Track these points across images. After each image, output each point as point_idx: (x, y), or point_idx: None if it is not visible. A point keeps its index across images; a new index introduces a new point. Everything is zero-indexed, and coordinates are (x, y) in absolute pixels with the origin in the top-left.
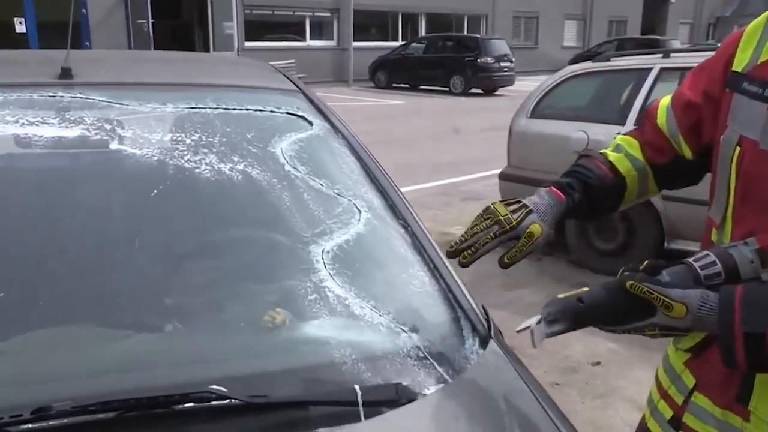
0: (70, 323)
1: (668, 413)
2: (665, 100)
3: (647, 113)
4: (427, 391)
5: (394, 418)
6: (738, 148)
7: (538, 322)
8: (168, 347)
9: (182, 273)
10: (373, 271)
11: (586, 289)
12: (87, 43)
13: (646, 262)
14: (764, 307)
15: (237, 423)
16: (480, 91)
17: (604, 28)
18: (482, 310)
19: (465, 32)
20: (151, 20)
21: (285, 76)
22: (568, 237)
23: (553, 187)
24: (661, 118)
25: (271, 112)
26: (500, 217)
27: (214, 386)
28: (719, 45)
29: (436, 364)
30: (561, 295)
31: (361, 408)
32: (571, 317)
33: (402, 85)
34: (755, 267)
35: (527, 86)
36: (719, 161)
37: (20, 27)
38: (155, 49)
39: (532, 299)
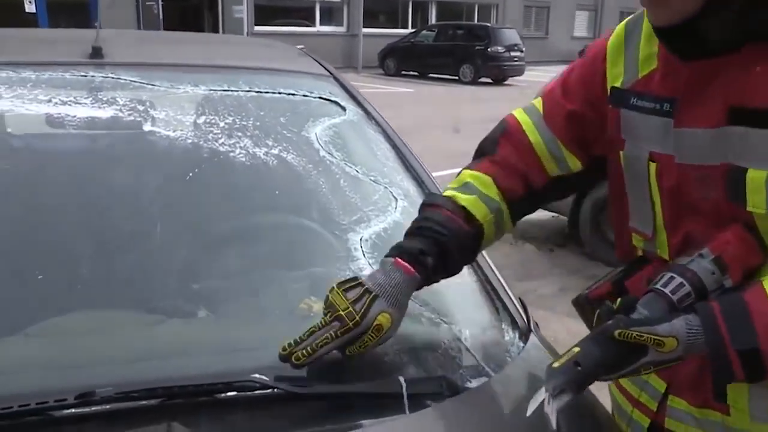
0: (106, 307)
1: (645, 421)
2: (524, 117)
3: (506, 134)
4: (470, 385)
5: (438, 411)
6: (653, 164)
7: (548, 401)
8: (206, 334)
9: (216, 258)
10: None
11: (576, 349)
12: (96, 24)
13: (618, 300)
14: (746, 320)
15: (279, 413)
16: (489, 80)
17: (615, 18)
18: (520, 303)
19: (475, 21)
20: (160, 2)
21: (315, 60)
22: (581, 229)
23: (399, 259)
24: (534, 136)
25: (304, 96)
26: (341, 312)
27: (257, 375)
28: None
29: (478, 358)
30: (555, 364)
31: (405, 400)
32: (574, 385)
33: (411, 72)
34: (717, 277)
35: (537, 76)
36: (630, 176)
37: (29, 6)
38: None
39: (543, 291)
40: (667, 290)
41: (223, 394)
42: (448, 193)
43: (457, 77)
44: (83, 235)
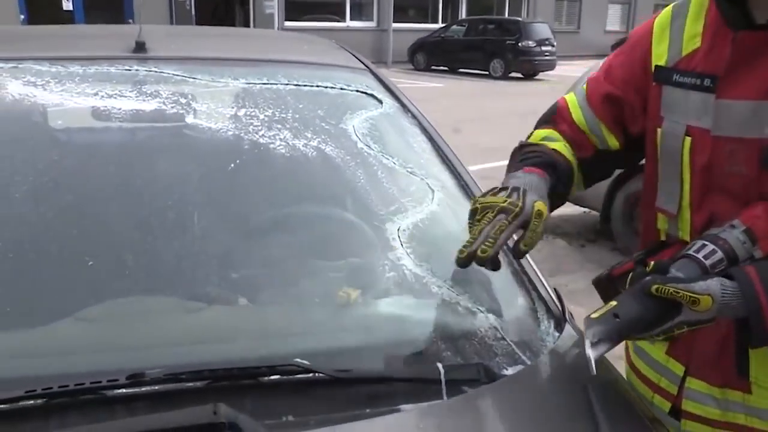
0: (153, 293)
1: (666, 406)
2: (572, 98)
3: (558, 113)
4: (506, 372)
5: (475, 397)
6: (688, 139)
7: (588, 347)
8: (248, 320)
9: (256, 247)
10: (448, 251)
11: (614, 303)
12: (130, 20)
13: (651, 263)
14: None
15: (321, 396)
16: (520, 75)
17: (649, 11)
18: (555, 293)
19: (506, 15)
20: None
21: (352, 54)
22: (613, 224)
23: (526, 167)
24: (578, 115)
25: (341, 89)
26: (501, 205)
27: (299, 359)
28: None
29: (514, 346)
30: (594, 315)
31: (443, 386)
32: (613, 335)
33: (441, 67)
34: (747, 247)
35: (568, 71)
36: (663, 153)
37: (67, 4)
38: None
39: (574, 286)
40: (699, 255)
41: (266, 378)
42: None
43: (487, 72)
44: (129, 225)
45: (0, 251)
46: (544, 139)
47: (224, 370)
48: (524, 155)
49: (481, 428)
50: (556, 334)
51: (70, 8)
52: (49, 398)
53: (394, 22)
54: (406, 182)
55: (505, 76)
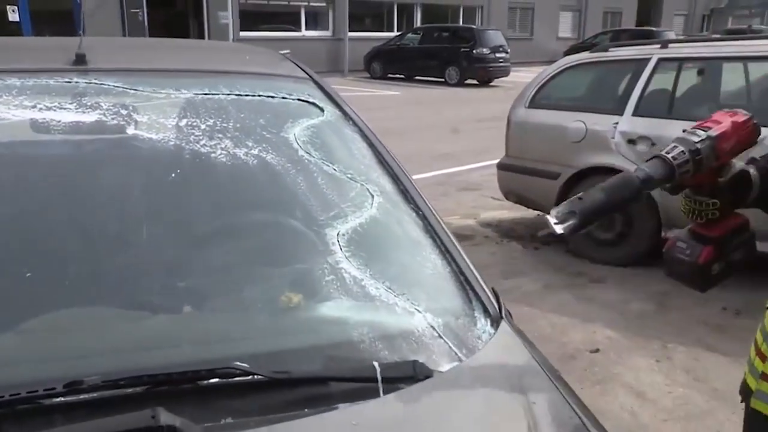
0: (94, 303)
1: (761, 367)
2: None
3: None
4: (442, 369)
5: (411, 393)
6: None
7: (552, 224)
8: (190, 326)
9: (200, 255)
10: (387, 254)
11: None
12: (81, 33)
13: None
14: None
15: (260, 398)
16: (475, 81)
17: (599, 19)
18: (492, 292)
19: (461, 23)
20: (145, 9)
21: (295, 63)
22: None
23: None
24: None
25: (283, 98)
26: None
27: (238, 363)
28: (713, 36)
29: (450, 343)
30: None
31: (380, 384)
32: (579, 214)
33: (397, 75)
34: (710, 144)
35: (522, 77)
36: None
37: (13, 15)
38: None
39: (529, 288)
40: (669, 156)
41: (206, 381)
42: None
43: (443, 79)
44: (71, 236)
45: None
46: None
47: (163, 375)
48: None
49: (416, 423)
50: (492, 331)
51: (17, 19)
52: None
53: (349, 31)
54: (347, 188)
55: (460, 83)
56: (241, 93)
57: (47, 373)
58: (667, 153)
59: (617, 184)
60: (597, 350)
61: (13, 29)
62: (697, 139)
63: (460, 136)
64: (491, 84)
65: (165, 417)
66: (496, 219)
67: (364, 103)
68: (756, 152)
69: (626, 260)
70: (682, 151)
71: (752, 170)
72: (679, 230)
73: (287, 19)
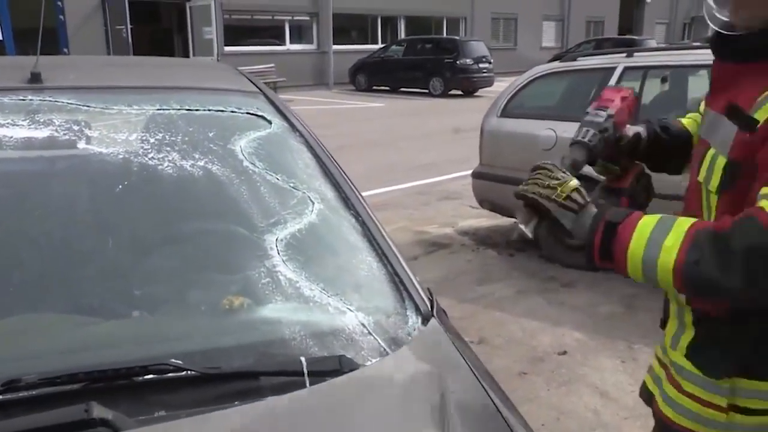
0: (38, 309)
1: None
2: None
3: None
4: (368, 362)
5: (335, 385)
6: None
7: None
8: (131, 329)
9: (147, 263)
10: (324, 257)
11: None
12: (65, 50)
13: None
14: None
15: (193, 393)
16: (460, 92)
17: (582, 28)
18: (428, 292)
19: (444, 34)
20: (129, 26)
21: (247, 78)
22: (538, 234)
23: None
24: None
25: (232, 112)
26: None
27: (173, 360)
28: (694, 44)
29: (378, 339)
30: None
31: (306, 377)
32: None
33: (382, 87)
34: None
35: (506, 87)
36: None
37: None
38: (134, 55)
39: (501, 294)
40: (586, 139)
41: (140, 378)
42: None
43: (427, 90)
44: (19, 245)
45: None
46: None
47: (98, 372)
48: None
49: (335, 411)
50: (422, 327)
51: (0, 38)
52: None
53: (334, 44)
54: (288, 196)
55: (444, 94)
56: (192, 108)
57: None
58: (583, 137)
59: None
60: (564, 352)
61: None
62: (601, 119)
63: (443, 146)
64: (475, 94)
65: (98, 410)
66: (473, 227)
67: (349, 115)
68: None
69: (596, 265)
70: (594, 133)
71: (643, 132)
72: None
73: (272, 33)
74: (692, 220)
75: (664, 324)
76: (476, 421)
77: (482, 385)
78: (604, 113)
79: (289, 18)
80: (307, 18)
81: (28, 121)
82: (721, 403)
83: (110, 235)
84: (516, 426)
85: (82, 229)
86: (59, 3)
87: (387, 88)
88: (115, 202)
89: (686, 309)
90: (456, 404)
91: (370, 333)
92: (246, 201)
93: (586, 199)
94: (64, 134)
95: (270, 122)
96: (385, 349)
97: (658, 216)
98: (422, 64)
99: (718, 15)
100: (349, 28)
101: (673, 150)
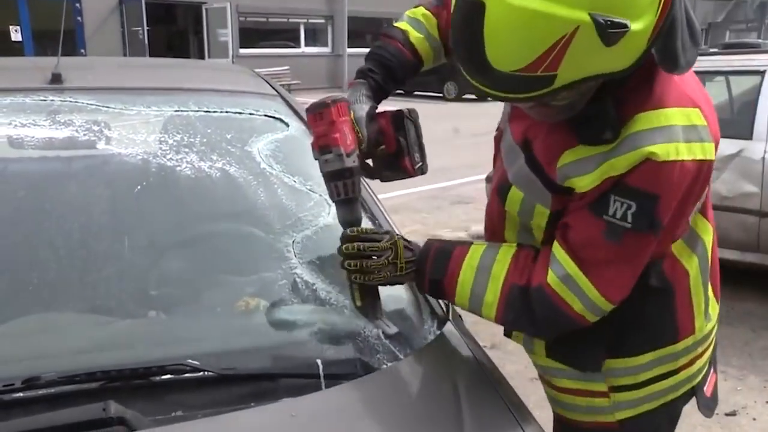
0: (60, 310)
1: None
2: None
3: (444, 2)
4: (383, 366)
5: (350, 388)
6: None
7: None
8: (148, 329)
9: (164, 264)
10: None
11: None
12: (82, 51)
13: None
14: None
15: (210, 393)
16: (473, 96)
17: None
18: None
19: None
20: (146, 28)
21: (265, 80)
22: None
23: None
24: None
25: (250, 114)
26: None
27: (190, 360)
28: (711, 50)
29: (395, 343)
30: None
31: (322, 380)
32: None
33: (396, 90)
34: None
35: None
36: None
37: (16, 35)
38: (150, 56)
39: None
40: (342, 196)
41: (157, 378)
42: (403, 26)
43: (441, 94)
44: (44, 247)
45: None
46: (416, 22)
47: (116, 371)
48: (374, 49)
49: (350, 414)
50: (437, 332)
51: (20, 39)
52: None
53: (348, 47)
54: (305, 199)
55: (459, 98)
56: (210, 109)
57: (8, 372)
58: (338, 195)
59: None
60: None
61: (16, 49)
62: (337, 166)
63: (456, 151)
64: (489, 99)
65: (115, 409)
66: None
67: None
68: None
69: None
70: (344, 183)
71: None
72: None
73: (286, 35)
74: (506, 263)
75: (509, 333)
76: (491, 426)
77: (497, 391)
78: (331, 155)
79: (304, 21)
80: (322, 21)
81: (49, 121)
82: (602, 389)
83: (128, 236)
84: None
85: (100, 230)
86: (77, 5)
87: (401, 91)
88: (133, 202)
89: None
90: (471, 408)
91: (386, 336)
92: (263, 203)
93: (413, 250)
94: (84, 134)
95: (287, 125)
96: (400, 353)
97: (476, 262)
98: (437, 68)
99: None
100: (363, 31)
101: (396, 84)
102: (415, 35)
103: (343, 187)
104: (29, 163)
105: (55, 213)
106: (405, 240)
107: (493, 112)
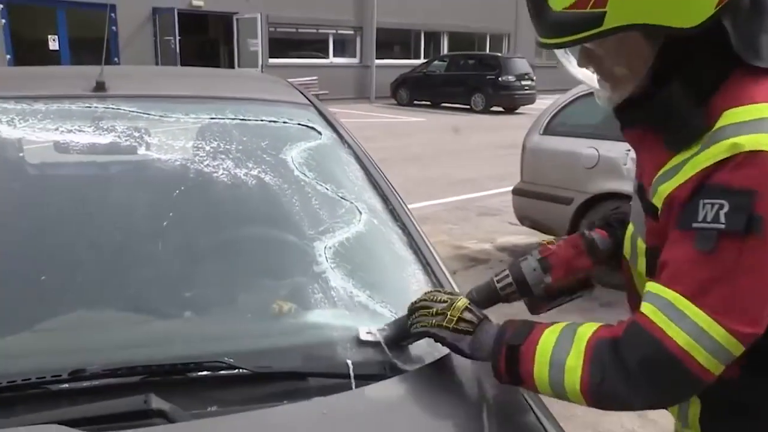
0: (101, 307)
1: None
2: None
3: None
4: (411, 368)
5: (380, 388)
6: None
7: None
8: (186, 328)
9: (200, 266)
10: (371, 266)
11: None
12: (116, 59)
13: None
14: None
15: (244, 390)
16: (501, 109)
17: None
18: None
19: (487, 51)
20: (178, 37)
21: (298, 90)
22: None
23: (597, 228)
24: None
25: (284, 123)
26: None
27: (226, 358)
28: None
29: (423, 345)
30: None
31: (352, 380)
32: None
33: (424, 102)
34: (538, 274)
35: (548, 105)
36: None
37: (53, 44)
38: (182, 65)
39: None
40: (495, 279)
41: (195, 374)
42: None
43: (468, 106)
44: (87, 248)
45: None
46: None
47: (157, 366)
48: (612, 212)
49: (379, 413)
50: None
51: (57, 48)
52: None
53: (377, 58)
54: (337, 206)
55: (486, 110)
56: (245, 118)
57: (55, 364)
58: (498, 281)
59: None
60: None
61: (53, 58)
62: (525, 269)
63: (483, 163)
64: (517, 111)
65: (156, 402)
66: (512, 243)
67: (390, 129)
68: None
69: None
70: (510, 282)
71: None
72: None
73: (315, 46)
74: (594, 327)
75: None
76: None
77: (523, 396)
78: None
79: (333, 31)
80: (351, 32)
81: (92, 127)
82: None
83: (166, 239)
84: None
85: (139, 232)
86: (112, 15)
87: (428, 103)
88: (172, 207)
89: None
90: (497, 412)
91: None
92: (296, 209)
93: (479, 316)
94: (126, 140)
95: (320, 133)
96: (430, 354)
97: (559, 329)
98: (464, 80)
99: (602, 95)
100: (392, 42)
101: None
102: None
103: (506, 285)
104: (73, 167)
105: (98, 216)
106: (472, 305)
107: (518, 123)
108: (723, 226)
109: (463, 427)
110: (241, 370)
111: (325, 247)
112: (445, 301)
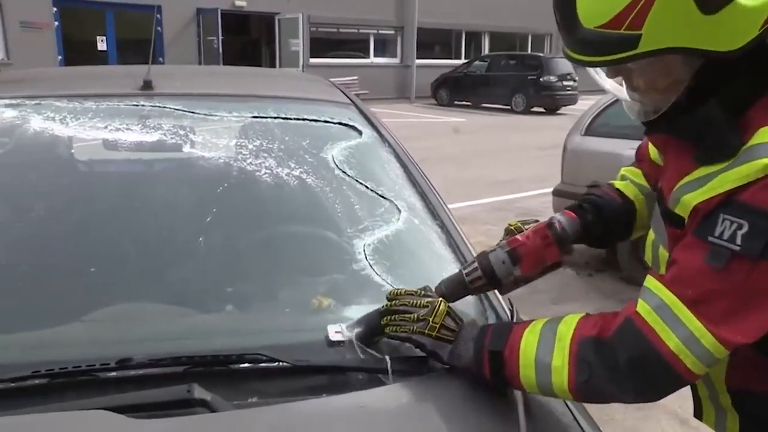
0: (147, 300)
1: None
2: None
3: (638, 153)
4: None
5: (416, 384)
6: None
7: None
8: (228, 322)
9: (242, 262)
10: (410, 263)
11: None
12: (161, 59)
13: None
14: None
15: (283, 383)
16: (542, 109)
17: None
18: (509, 303)
19: (528, 51)
20: (221, 37)
21: (339, 89)
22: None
23: (566, 210)
24: (654, 154)
25: (325, 122)
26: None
27: (265, 351)
28: None
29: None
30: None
31: (390, 375)
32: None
33: (464, 102)
34: (507, 266)
35: (590, 106)
36: None
37: (102, 45)
38: (224, 64)
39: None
40: (464, 271)
41: (236, 365)
42: (609, 182)
43: (509, 107)
44: (135, 242)
45: (25, 265)
46: (621, 177)
47: (200, 357)
48: (583, 195)
49: (415, 408)
50: None
51: (105, 49)
52: (51, 378)
53: (417, 58)
54: (376, 204)
55: (527, 111)
56: (288, 116)
57: (104, 352)
58: (467, 274)
59: None
60: None
61: (102, 58)
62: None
63: (523, 163)
64: (558, 112)
65: (199, 392)
66: None
67: (430, 129)
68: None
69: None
70: (479, 276)
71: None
72: None
73: (356, 46)
74: (573, 323)
75: (699, 413)
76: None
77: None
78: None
79: (374, 31)
80: (392, 32)
81: (140, 125)
82: None
83: (209, 235)
84: None
85: (184, 228)
86: (158, 16)
87: (468, 103)
88: (215, 203)
89: (720, 391)
90: (535, 412)
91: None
92: (336, 207)
93: (458, 323)
94: (172, 138)
95: (361, 132)
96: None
97: (538, 328)
98: (505, 81)
99: (632, 107)
100: (432, 42)
101: (611, 225)
102: (619, 183)
103: (475, 278)
104: (121, 164)
105: (144, 211)
106: (452, 309)
107: (559, 124)
108: (738, 248)
109: (500, 425)
110: (281, 363)
111: (365, 245)
112: (425, 306)
